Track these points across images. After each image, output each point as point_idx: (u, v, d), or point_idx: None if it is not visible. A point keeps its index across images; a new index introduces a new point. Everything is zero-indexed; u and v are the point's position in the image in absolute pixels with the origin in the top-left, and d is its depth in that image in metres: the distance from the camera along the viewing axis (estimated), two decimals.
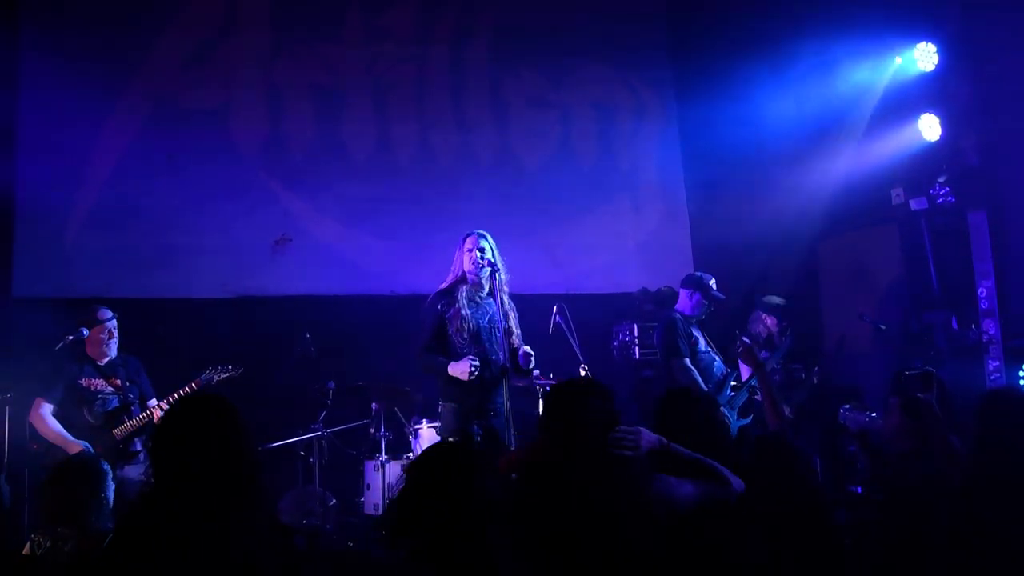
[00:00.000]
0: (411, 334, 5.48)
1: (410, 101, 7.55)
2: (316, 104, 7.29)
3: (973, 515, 2.91)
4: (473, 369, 4.68)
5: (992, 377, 6.55)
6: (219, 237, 6.83)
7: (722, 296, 5.89)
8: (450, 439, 4.67)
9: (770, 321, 6.78)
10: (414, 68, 7.61)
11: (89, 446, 4.92)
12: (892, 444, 3.71)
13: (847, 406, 5.32)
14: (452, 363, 4.76)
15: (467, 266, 4.95)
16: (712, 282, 5.88)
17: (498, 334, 4.82)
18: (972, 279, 6.82)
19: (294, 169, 7.17)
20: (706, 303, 5.83)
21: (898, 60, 7.00)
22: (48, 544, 3.25)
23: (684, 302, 5.91)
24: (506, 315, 4.89)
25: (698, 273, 6.02)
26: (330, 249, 7.13)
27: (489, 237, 5.04)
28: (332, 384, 5.99)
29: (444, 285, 5.05)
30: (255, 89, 7.16)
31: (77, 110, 6.58)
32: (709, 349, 5.82)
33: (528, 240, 7.27)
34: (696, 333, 5.78)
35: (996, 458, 3.04)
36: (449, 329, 4.89)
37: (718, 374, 5.72)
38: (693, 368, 5.60)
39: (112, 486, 3.48)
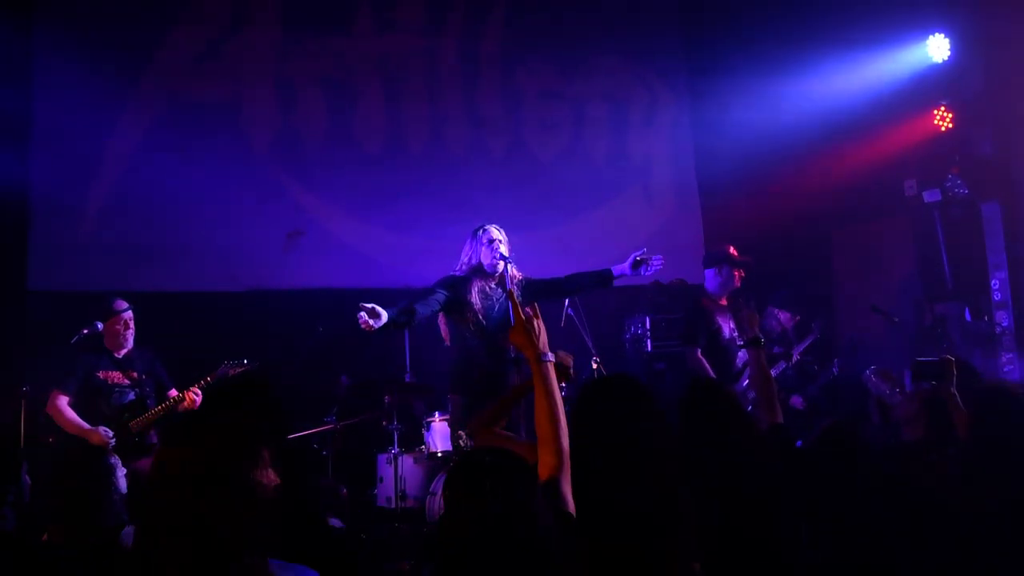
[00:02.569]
0: (424, 327, 5.51)
1: (422, 93, 7.55)
2: (327, 97, 7.30)
3: (966, 511, 2.91)
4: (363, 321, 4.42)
5: (1005, 369, 6.53)
6: (232, 230, 6.85)
7: (748, 259, 5.81)
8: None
9: (783, 316, 6.76)
10: (425, 60, 7.61)
11: (109, 431, 4.95)
12: (905, 429, 3.70)
13: (874, 367, 5.27)
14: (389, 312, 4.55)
15: (485, 259, 4.98)
16: (732, 249, 5.78)
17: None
18: (985, 270, 6.80)
19: (306, 162, 7.18)
20: (735, 273, 5.73)
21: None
22: (62, 538, 3.27)
23: (710, 280, 5.81)
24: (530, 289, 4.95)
25: (718, 248, 5.91)
26: (342, 242, 7.15)
27: (502, 230, 5.09)
28: (345, 377, 6.00)
29: (458, 274, 5.06)
30: (266, 83, 7.17)
31: (90, 106, 6.59)
32: (735, 336, 5.68)
33: (540, 232, 7.27)
34: (721, 318, 5.68)
35: (986, 457, 3.03)
36: (460, 319, 4.93)
37: (739, 364, 5.62)
38: (704, 360, 5.56)
39: (122, 479, 3.49)
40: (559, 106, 7.89)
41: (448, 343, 5.15)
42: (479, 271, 5.02)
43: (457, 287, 4.96)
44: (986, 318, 6.78)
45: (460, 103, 7.64)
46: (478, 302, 4.93)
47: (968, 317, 6.91)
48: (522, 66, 7.82)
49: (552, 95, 7.88)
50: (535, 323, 2.54)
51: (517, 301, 2.64)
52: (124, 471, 3.48)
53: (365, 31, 7.50)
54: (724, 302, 5.79)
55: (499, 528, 1.90)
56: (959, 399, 3.39)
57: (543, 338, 2.52)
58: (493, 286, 5.01)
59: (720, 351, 5.62)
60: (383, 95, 7.45)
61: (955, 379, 3.44)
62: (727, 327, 5.69)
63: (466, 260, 5.11)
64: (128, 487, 3.47)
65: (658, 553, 2.35)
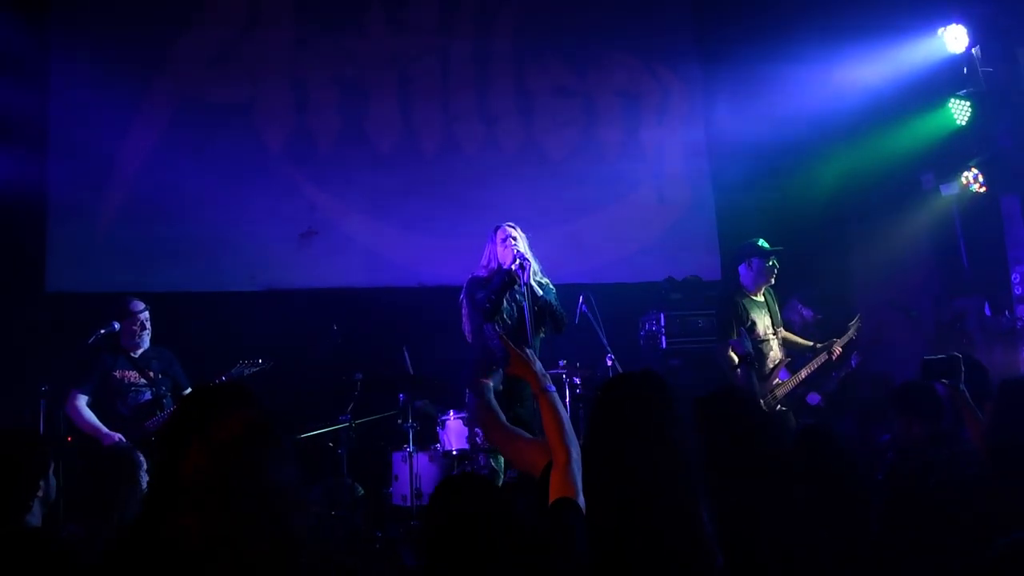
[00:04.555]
0: (438, 325, 5.53)
1: (434, 92, 7.55)
2: (340, 97, 7.32)
3: (984, 505, 2.88)
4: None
5: None
6: (246, 230, 6.89)
7: (778, 248, 5.72)
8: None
9: (807, 312, 6.71)
10: (437, 59, 7.61)
11: (123, 438, 4.99)
12: (904, 433, 3.69)
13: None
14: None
15: (503, 258, 5.02)
16: (762, 241, 5.71)
17: (528, 326, 4.89)
18: (1005, 264, 6.73)
19: (320, 162, 7.21)
20: (768, 265, 5.67)
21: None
22: (83, 534, 3.31)
23: (744, 276, 5.74)
24: (535, 299, 4.96)
25: (746, 241, 5.82)
26: (356, 241, 7.17)
27: (517, 227, 5.13)
28: (360, 375, 6.00)
29: (481, 275, 5.10)
30: (280, 83, 7.20)
31: (106, 108, 6.65)
32: (768, 335, 5.64)
33: (553, 230, 7.24)
34: (755, 314, 5.60)
35: (1007, 449, 3.00)
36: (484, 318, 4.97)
37: (770, 364, 5.58)
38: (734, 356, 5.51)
39: (146, 478, 3.53)
40: (571, 102, 7.87)
41: (470, 340, 5.19)
42: (499, 271, 5.07)
43: (482, 289, 5.03)
44: (1007, 312, 6.70)
45: (472, 101, 7.64)
46: (504, 304, 4.99)
47: (988, 312, 6.83)
48: (534, 63, 7.80)
49: (564, 91, 7.86)
50: (527, 353, 2.71)
51: (511, 344, 2.78)
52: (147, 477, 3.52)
53: (377, 30, 7.51)
54: (760, 297, 5.73)
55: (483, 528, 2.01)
56: (968, 395, 3.37)
57: (539, 366, 2.67)
58: (516, 286, 5.03)
59: (753, 347, 5.51)
60: (396, 94, 7.46)
61: (963, 376, 3.42)
62: (762, 323, 5.63)
63: (485, 263, 5.18)
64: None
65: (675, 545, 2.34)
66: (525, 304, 4.95)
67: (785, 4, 7.56)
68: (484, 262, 5.20)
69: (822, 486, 2.84)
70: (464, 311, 5.17)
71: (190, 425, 2.35)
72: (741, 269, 5.77)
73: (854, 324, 6.00)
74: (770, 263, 5.68)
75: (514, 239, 5.09)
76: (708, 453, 2.88)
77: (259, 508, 1.82)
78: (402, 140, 7.41)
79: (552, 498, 2.28)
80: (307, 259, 7.00)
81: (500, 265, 5.09)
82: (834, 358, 5.82)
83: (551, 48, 7.85)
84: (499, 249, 5.10)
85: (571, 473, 2.33)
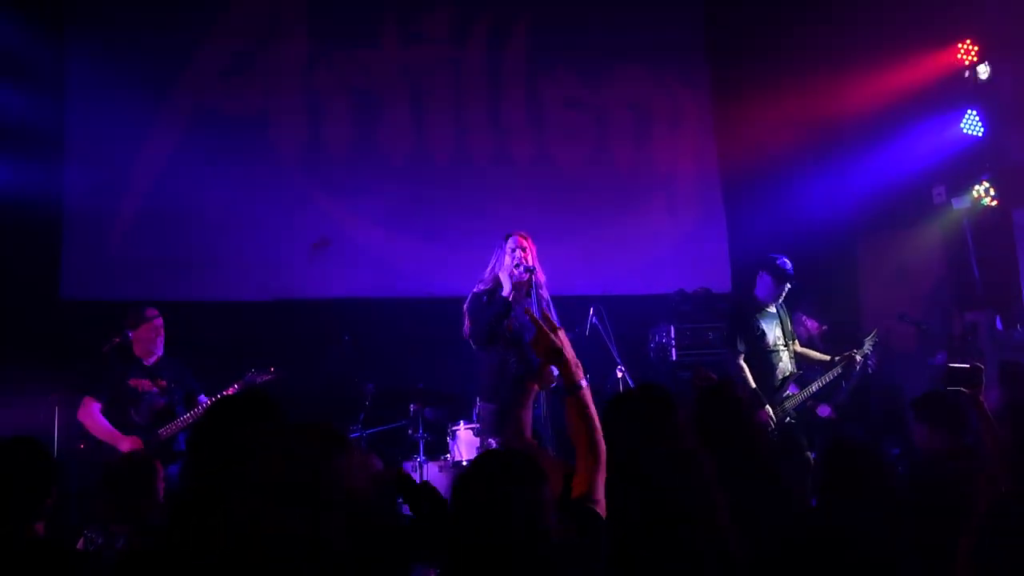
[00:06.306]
0: (448, 335, 5.53)
1: (447, 103, 7.59)
2: (354, 108, 7.37)
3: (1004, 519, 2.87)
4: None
5: None
6: (259, 240, 6.92)
7: (790, 272, 5.70)
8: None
9: (811, 324, 6.71)
10: (450, 71, 7.65)
11: (140, 439, 5.01)
12: (925, 443, 3.69)
13: None
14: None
15: (510, 268, 5.01)
16: (782, 261, 5.69)
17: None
18: (1017, 278, 6.72)
19: (332, 173, 7.25)
20: (778, 283, 5.66)
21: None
22: (100, 541, 3.33)
23: (764, 287, 5.74)
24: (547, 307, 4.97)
25: (771, 254, 5.83)
26: (368, 251, 7.20)
27: (528, 238, 5.13)
28: (370, 386, 6.02)
29: (485, 286, 5.10)
30: (294, 95, 7.25)
31: (122, 118, 6.70)
32: (779, 346, 5.65)
33: (564, 242, 7.27)
34: (765, 325, 5.62)
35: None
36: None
37: (779, 376, 5.57)
38: (745, 366, 5.52)
39: (163, 485, 3.56)
40: (583, 115, 7.90)
41: (479, 352, 5.19)
42: (498, 296, 5.06)
43: (487, 304, 5.02)
44: (1018, 326, 6.68)
45: (484, 112, 7.68)
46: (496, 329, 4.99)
47: (999, 326, 6.81)
48: (546, 75, 7.84)
49: (576, 104, 7.89)
50: (559, 336, 2.47)
51: (538, 320, 2.53)
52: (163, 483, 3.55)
53: (391, 43, 7.56)
54: (772, 308, 5.74)
55: (505, 519, 1.90)
56: (986, 407, 3.38)
57: (570, 352, 2.43)
58: (521, 295, 5.04)
59: (762, 357, 5.56)
60: (408, 105, 7.50)
61: (983, 386, 3.44)
62: (772, 334, 5.65)
63: (489, 271, 5.16)
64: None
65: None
66: (534, 313, 4.95)
67: (797, 18, 7.59)
68: (489, 269, 5.20)
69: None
70: (466, 321, 5.18)
71: (214, 432, 2.39)
72: (767, 281, 5.72)
73: (870, 339, 5.91)
74: (781, 286, 5.68)
75: (523, 250, 5.09)
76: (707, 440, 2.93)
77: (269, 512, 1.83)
78: (414, 151, 7.45)
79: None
80: (319, 269, 7.02)
81: (499, 278, 5.07)
82: (856, 368, 5.79)
83: (563, 61, 7.89)
84: (507, 259, 5.09)
85: (597, 481, 2.25)
